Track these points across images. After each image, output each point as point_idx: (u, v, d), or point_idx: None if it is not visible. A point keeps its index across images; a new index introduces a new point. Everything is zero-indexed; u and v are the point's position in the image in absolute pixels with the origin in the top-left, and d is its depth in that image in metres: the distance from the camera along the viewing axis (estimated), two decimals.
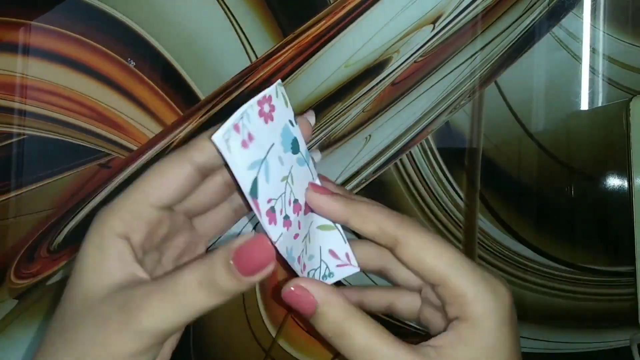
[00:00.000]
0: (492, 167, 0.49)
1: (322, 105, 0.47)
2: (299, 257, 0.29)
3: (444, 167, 0.48)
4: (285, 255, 0.28)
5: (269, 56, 0.46)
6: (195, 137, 0.27)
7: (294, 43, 0.46)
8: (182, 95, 0.46)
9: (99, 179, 0.46)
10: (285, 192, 0.28)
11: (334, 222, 0.30)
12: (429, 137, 0.48)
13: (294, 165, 0.28)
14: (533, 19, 0.48)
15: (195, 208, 0.30)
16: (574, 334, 0.50)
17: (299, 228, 0.29)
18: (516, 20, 0.47)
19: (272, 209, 0.27)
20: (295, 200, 0.29)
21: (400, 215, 0.29)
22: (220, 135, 0.24)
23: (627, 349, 0.48)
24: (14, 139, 0.45)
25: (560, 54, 0.48)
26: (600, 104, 0.48)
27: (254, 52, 0.46)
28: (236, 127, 0.24)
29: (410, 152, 0.48)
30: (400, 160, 0.48)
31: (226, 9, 0.46)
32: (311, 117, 0.30)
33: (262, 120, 0.26)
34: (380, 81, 0.47)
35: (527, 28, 0.48)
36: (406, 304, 0.33)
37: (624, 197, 0.48)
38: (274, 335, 0.48)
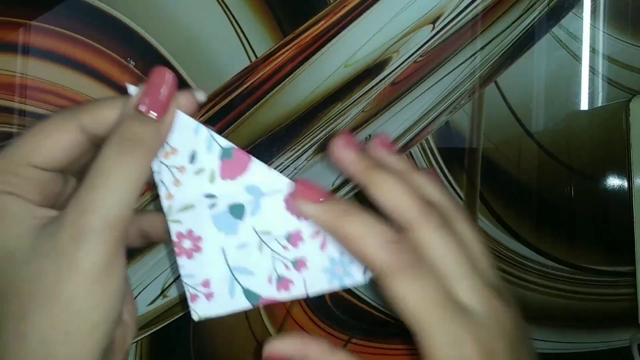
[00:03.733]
0: (492, 167, 0.48)
1: (322, 105, 0.47)
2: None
3: (444, 167, 0.48)
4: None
5: (268, 56, 0.46)
6: (90, 101, 0.26)
7: (294, 43, 0.46)
8: None
9: None
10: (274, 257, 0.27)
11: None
12: (429, 137, 0.48)
13: (253, 226, 0.27)
14: (533, 19, 0.48)
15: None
16: (574, 334, 0.50)
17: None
18: (516, 20, 0.47)
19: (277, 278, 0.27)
20: (288, 237, 0.27)
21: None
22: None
23: (627, 349, 0.48)
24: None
25: (560, 54, 0.48)
26: (600, 104, 0.48)
27: (253, 52, 0.46)
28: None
29: (410, 152, 0.48)
30: None
31: (226, 9, 0.46)
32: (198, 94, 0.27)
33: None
34: (380, 81, 0.47)
35: (527, 28, 0.48)
36: None
37: (624, 197, 0.48)
38: (274, 335, 0.48)
